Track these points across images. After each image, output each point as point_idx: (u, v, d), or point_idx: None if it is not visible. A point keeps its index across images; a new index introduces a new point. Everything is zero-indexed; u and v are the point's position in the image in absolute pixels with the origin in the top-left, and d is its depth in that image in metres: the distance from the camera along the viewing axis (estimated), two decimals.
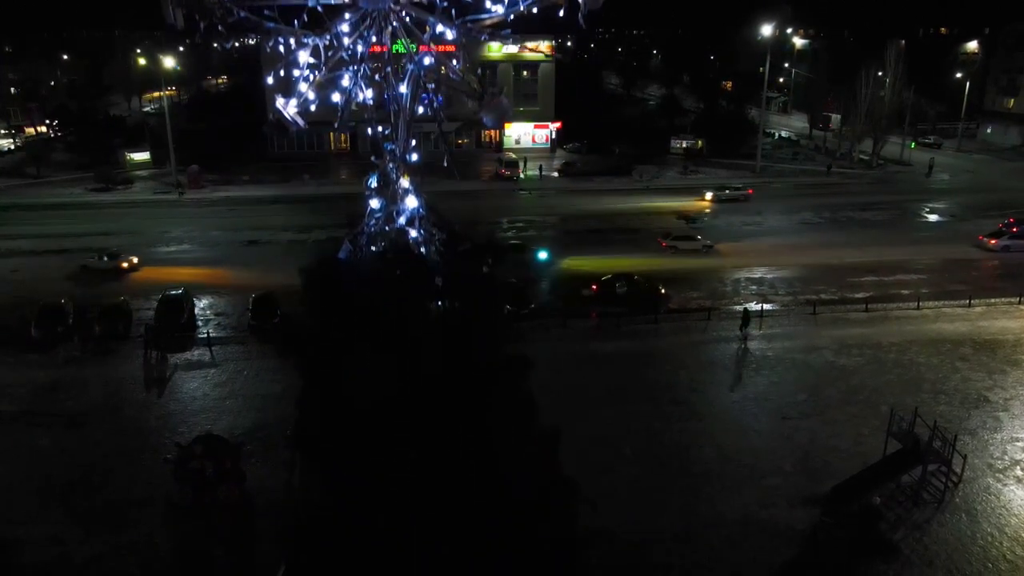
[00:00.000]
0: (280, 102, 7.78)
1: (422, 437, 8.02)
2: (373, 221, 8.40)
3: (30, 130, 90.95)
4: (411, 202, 8.35)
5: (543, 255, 43.68)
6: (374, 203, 8.32)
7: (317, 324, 8.31)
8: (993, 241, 48.69)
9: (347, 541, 8.16)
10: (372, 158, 8.45)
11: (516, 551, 8.40)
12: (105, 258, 43.50)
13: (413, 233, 8.31)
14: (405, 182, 8.30)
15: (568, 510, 9.34)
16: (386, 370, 7.83)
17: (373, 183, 8.38)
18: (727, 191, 62.71)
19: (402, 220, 8.30)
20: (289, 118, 7.83)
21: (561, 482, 9.31)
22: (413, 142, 8.26)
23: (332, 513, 8.35)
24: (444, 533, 8.06)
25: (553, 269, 43.14)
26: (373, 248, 8.08)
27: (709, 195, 61.79)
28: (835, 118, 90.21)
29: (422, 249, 8.21)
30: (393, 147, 8.24)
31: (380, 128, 8.22)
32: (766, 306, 38.31)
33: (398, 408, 8.07)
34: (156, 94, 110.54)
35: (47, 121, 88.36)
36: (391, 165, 8.24)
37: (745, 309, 35.58)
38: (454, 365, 8.22)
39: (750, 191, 62.75)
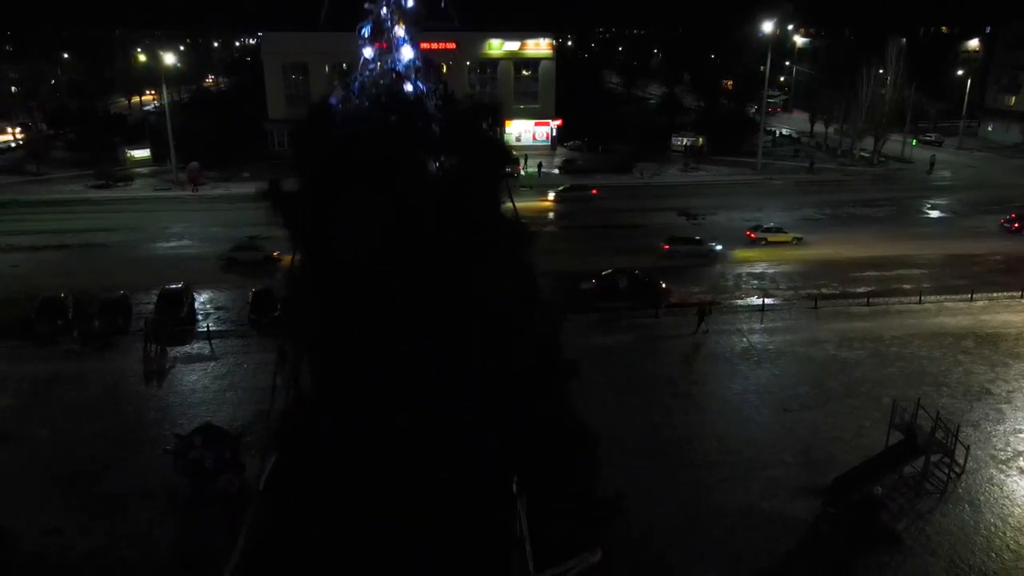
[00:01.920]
0: None
1: (416, 301, 7.70)
2: (367, 71, 8.07)
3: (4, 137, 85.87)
4: (407, 53, 8.02)
5: (719, 247, 45.94)
6: (367, 52, 8.00)
7: (304, 172, 8.05)
8: None
9: (338, 434, 7.94)
10: (366, 5, 8.12)
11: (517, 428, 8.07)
12: (254, 250, 43.58)
13: (409, 87, 7.98)
14: (400, 31, 7.97)
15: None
16: (379, 223, 7.50)
17: (366, 32, 8.06)
18: (570, 191, 61.40)
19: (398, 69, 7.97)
20: None
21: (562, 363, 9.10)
22: None
23: (322, 403, 8.12)
24: (440, 420, 7.81)
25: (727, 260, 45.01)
26: (366, 98, 7.76)
27: (552, 195, 60.54)
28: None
29: (419, 100, 7.89)
30: None
31: None
32: (768, 300, 38.22)
33: (390, 268, 7.71)
34: (154, 97, 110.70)
35: (34, 120, 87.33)
36: (385, 11, 7.91)
37: (700, 305, 35.50)
38: (452, 222, 7.89)
39: (594, 191, 61.52)
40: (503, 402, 8.09)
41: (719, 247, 45.89)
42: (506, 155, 8.15)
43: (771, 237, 48.31)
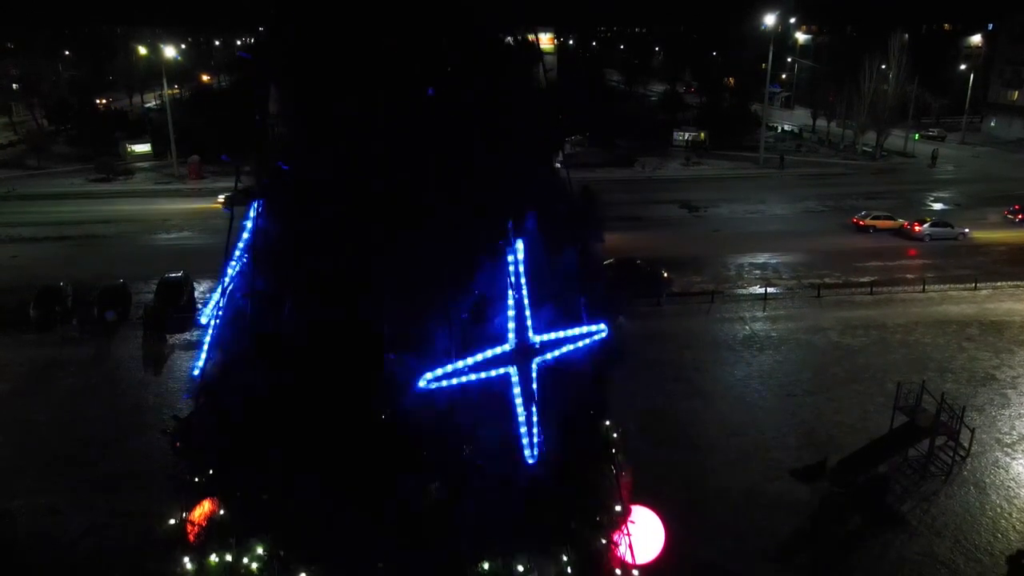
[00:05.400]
0: None
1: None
2: None
3: None
4: None
5: (967, 230, 48.16)
6: None
7: None
8: None
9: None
10: None
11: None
12: None
13: None
14: None
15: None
16: None
17: None
18: (241, 194, 58.80)
19: None
20: None
21: None
22: None
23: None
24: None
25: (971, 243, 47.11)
26: None
27: (221, 197, 54.84)
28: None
29: None
30: None
31: None
32: (771, 289, 38.06)
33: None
34: (154, 97, 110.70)
35: (36, 116, 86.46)
36: None
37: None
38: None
39: None
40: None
41: (967, 230, 47.28)
42: None
43: (880, 224, 49.15)
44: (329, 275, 7.34)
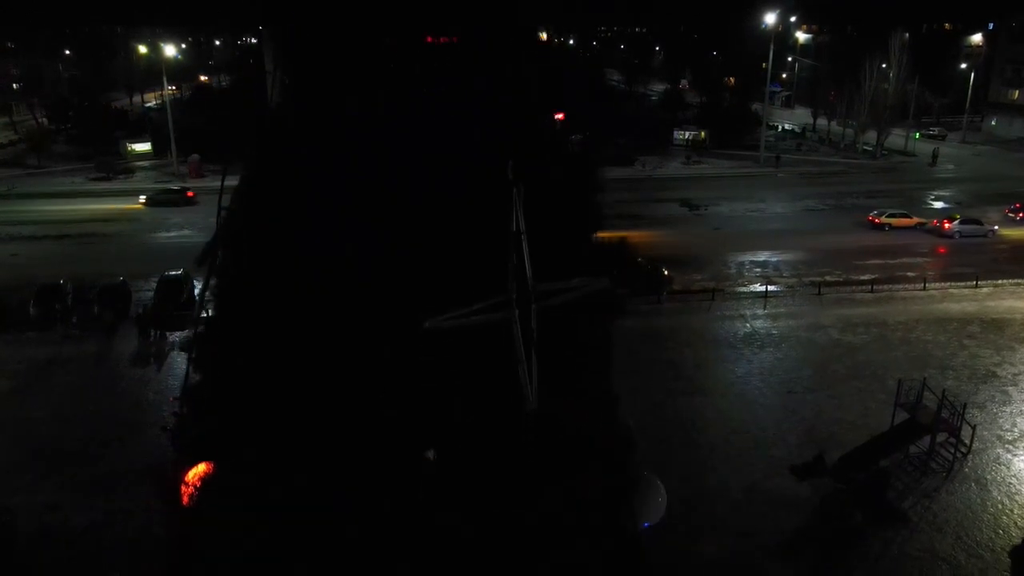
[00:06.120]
0: None
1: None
2: None
3: None
4: None
5: (995, 227, 48.56)
6: None
7: None
8: None
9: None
10: None
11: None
12: None
13: None
14: None
15: None
16: None
17: None
18: (161, 194, 56.72)
19: None
20: None
21: None
22: None
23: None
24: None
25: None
26: None
27: (142, 198, 56.05)
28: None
29: None
30: None
31: None
32: (771, 287, 38.02)
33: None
34: (155, 97, 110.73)
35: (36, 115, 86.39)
36: None
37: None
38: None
39: (190, 193, 56.44)
40: None
41: (996, 227, 47.70)
42: None
43: (895, 222, 49.27)
44: (332, 234, 7.35)
